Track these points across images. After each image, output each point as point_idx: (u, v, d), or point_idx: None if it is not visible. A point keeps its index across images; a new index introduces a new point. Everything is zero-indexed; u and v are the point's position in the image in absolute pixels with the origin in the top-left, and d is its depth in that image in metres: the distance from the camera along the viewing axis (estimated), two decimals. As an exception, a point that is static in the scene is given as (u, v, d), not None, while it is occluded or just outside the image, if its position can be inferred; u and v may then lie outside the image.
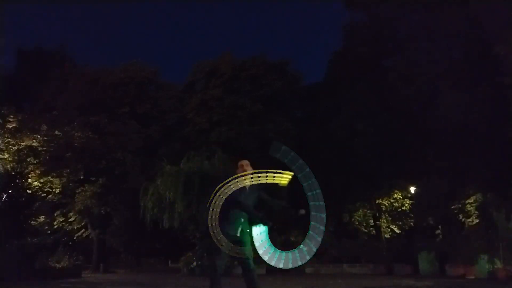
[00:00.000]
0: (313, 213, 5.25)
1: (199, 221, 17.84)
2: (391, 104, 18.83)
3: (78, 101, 23.32)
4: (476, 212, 17.69)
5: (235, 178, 4.91)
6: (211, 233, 4.87)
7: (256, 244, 5.26)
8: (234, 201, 5.00)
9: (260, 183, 5.15)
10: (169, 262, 23.75)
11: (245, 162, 5.30)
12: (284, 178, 5.00)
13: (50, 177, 21.79)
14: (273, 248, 5.31)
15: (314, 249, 5.24)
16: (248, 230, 5.21)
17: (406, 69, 17.70)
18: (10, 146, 20.59)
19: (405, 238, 21.98)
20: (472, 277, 14.85)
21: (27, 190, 21.24)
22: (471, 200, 17.95)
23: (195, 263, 18.64)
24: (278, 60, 26.43)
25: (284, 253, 5.32)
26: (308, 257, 5.26)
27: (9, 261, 13.63)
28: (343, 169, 22.08)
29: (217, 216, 4.88)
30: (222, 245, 4.88)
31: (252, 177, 5.03)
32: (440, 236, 20.45)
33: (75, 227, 23.13)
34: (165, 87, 27.27)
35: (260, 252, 5.26)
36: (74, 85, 23.79)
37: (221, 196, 4.89)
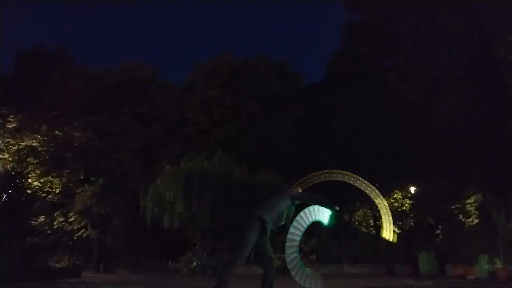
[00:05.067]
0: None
1: (199, 221, 17.85)
2: (391, 104, 18.85)
3: (78, 101, 23.30)
4: (476, 212, 17.66)
5: None
6: None
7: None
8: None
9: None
10: (169, 262, 23.75)
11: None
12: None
13: (50, 177, 21.77)
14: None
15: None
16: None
17: (406, 69, 17.72)
18: (10, 146, 20.59)
19: (405, 238, 21.93)
20: (472, 277, 14.83)
21: (27, 190, 21.26)
22: (471, 200, 17.93)
23: (195, 263, 18.65)
24: (278, 60, 26.46)
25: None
26: None
27: (9, 261, 13.61)
28: (342, 169, 22.03)
29: None
30: None
31: None
32: (440, 236, 20.41)
33: (75, 227, 23.07)
34: (165, 87, 27.21)
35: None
36: (74, 85, 23.76)
37: None
